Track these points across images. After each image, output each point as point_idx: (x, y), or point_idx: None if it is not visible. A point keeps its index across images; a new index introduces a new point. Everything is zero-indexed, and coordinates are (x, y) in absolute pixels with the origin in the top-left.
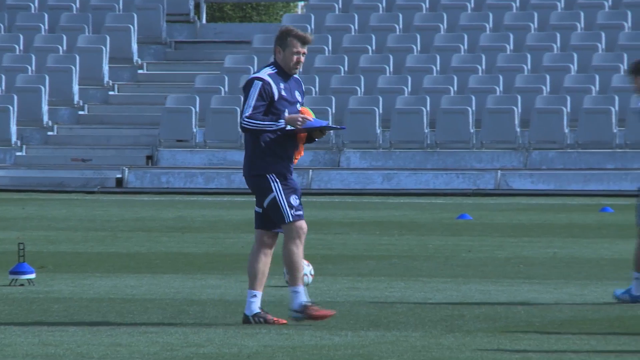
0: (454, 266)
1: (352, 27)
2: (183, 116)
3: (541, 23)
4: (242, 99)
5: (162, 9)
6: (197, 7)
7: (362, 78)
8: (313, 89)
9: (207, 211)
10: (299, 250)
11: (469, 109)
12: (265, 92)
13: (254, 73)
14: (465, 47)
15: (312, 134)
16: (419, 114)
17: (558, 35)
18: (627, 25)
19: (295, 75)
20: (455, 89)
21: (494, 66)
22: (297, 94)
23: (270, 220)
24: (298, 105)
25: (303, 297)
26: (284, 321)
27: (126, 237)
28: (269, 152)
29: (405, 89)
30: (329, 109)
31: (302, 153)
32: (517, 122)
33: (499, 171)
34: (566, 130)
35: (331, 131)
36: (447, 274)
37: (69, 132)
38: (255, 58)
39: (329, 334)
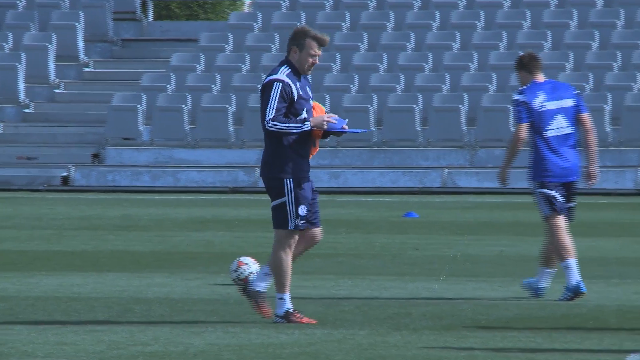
0: (401, 264)
1: (299, 24)
2: (129, 114)
3: (488, 22)
4: (260, 100)
5: (109, 7)
6: (144, 5)
7: (309, 77)
8: (260, 86)
9: (153, 209)
10: (288, 258)
11: (415, 107)
12: (286, 93)
13: (271, 74)
14: (412, 45)
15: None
16: (366, 112)
17: (505, 33)
18: (572, 24)
19: None
20: (402, 87)
21: (441, 64)
22: (308, 90)
23: (316, 215)
24: (310, 102)
25: (288, 303)
26: (314, 321)
27: (72, 235)
28: (290, 153)
29: (352, 87)
30: None
31: (317, 149)
32: (463, 120)
33: (446, 169)
34: (512, 129)
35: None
36: (393, 271)
37: (15, 130)
38: (202, 56)
39: (276, 332)
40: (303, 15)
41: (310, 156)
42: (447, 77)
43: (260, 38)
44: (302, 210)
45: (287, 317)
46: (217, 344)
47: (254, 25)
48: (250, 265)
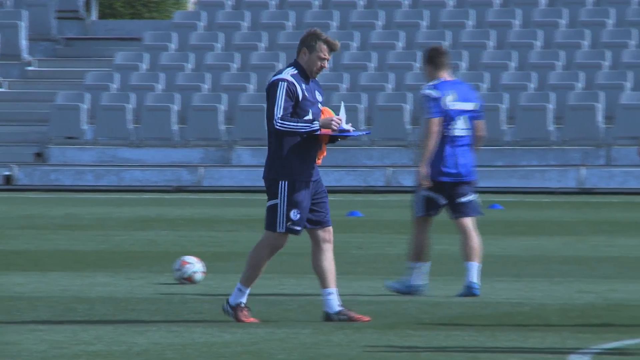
0: (345, 263)
1: (244, 23)
2: (73, 113)
3: (432, 20)
4: (267, 100)
5: (52, 6)
6: (88, 3)
7: (254, 75)
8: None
9: (96, 208)
10: (265, 257)
11: (359, 106)
12: (291, 92)
13: (276, 74)
14: (358, 44)
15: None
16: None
17: (449, 33)
18: (516, 23)
19: None
20: (347, 86)
21: (385, 63)
22: (317, 94)
23: (323, 216)
24: (319, 105)
25: (243, 298)
26: (367, 318)
27: (14, 234)
28: (290, 155)
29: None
30: (221, 106)
31: (325, 153)
32: (407, 119)
33: (390, 168)
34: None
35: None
36: (337, 270)
37: None
38: (146, 55)
39: (219, 331)
40: (249, 14)
41: (318, 161)
42: (392, 76)
43: (205, 37)
44: (295, 214)
45: (235, 309)
46: (160, 343)
47: (198, 24)
48: (194, 264)
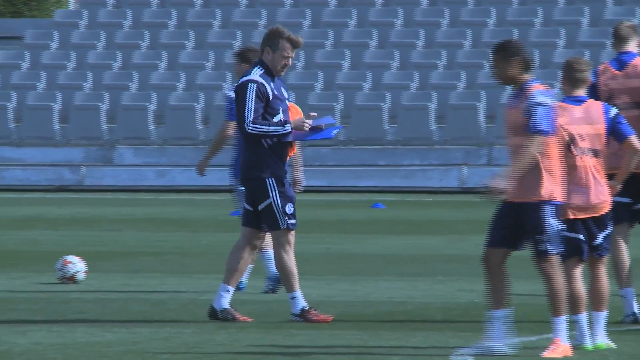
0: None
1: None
2: None
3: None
4: (235, 102)
5: None
6: None
7: (136, 74)
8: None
9: None
10: (289, 256)
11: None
12: (261, 93)
13: (244, 76)
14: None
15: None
16: (192, 110)
17: (330, 32)
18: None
19: None
20: (227, 85)
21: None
22: (283, 90)
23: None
24: (286, 102)
25: (302, 301)
26: (250, 319)
27: None
28: (270, 154)
29: (179, 85)
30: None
31: (295, 150)
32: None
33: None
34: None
35: None
36: (219, 270)
37: None
38: (27, 53)
39: (102, 330)
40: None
41: (288, 158)
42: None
43: (86, 35)
44: (290, 208)
45: (303, 315)
46: (42, 342)
47: (79, 23)
48: (76, 264)
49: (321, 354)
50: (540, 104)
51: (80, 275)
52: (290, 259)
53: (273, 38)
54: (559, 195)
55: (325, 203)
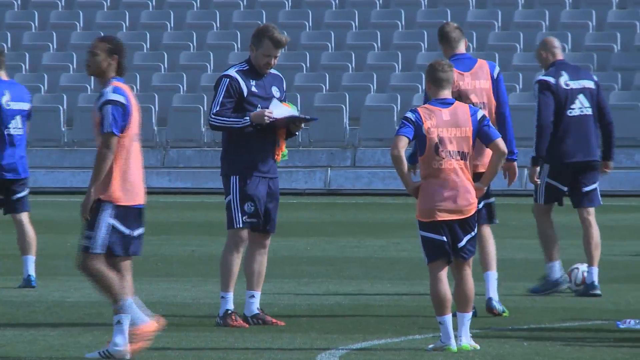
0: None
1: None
2: None
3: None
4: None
5: None
6: None
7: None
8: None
9: None
10: (233, 257)
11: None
12: (233, 89)
13: (225, 70)
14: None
15: (290, 128)
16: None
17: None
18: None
19: (273, 71)
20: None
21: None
22: (274, 89)
23: (268, 220)
24: (277, 101)
25: (228, 305)
26: (282, 323)
27: None
28: (241, 150)
29: (88, 87)
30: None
31: (284, 149)
32: (154, 120)
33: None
34: (203, 129)
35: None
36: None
37: None
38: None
39: None
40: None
41: (277, 157)
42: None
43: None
44: (249, 207)
45: (224, 317)
46: None
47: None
48: None
49: (186, 355)
50: (109, 102)
51: None
52: (234, 260)
53: (257, 36)
54: (124, 199)
55: (191, 205)
